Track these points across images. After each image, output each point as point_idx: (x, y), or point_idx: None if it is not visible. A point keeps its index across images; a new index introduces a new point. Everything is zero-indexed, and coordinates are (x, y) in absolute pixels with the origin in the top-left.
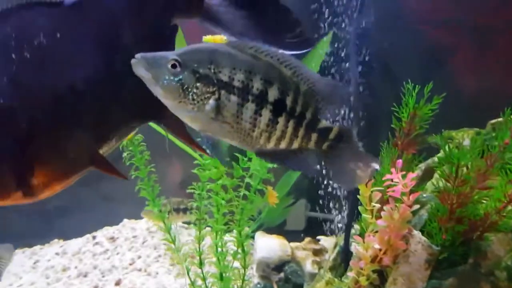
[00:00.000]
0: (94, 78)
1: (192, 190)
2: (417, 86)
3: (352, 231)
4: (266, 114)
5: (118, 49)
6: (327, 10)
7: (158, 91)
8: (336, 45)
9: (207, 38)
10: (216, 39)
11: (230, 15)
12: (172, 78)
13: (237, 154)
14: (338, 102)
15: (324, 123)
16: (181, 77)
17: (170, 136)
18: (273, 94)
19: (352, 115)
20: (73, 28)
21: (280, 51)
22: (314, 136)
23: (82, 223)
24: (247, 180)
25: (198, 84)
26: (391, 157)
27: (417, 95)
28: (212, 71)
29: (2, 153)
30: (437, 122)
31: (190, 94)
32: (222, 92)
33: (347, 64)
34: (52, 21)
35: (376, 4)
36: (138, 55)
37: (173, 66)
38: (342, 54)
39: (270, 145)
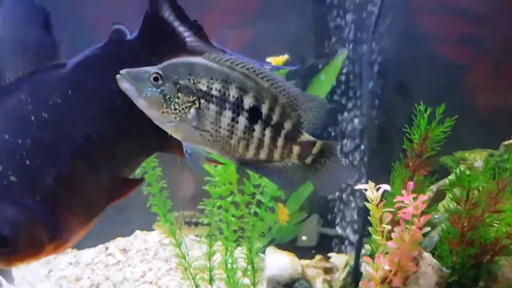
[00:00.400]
0: (106, 127)
1: (203, 207)
2: (428, 108)
3: (363, 251)
4: (242, 121)
5: (122, 96)
6: (341, 28)
7: (142, 103)
8: (350, 64)
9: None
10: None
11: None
12: (154, 89)
13: (248, 172)
14: (320, 116)
15: (306, 136)
16: (163, 88)
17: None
18: (248, 101)
19: (364, 133)
20: (81, 85)
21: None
22: (296, 149)
23: (95, 233)
24: (258, 197)
25: (179, 94)
26: (403, 178)
27: (430, 115)
28: (192, 81)
29: (36, 212)
30: (450, 141)
31: (172, 104)
32: (202, 101)
33: (360, 83)
34: (62, 81)
35: (391, 22)
36: (123, 71)
37: (155, 79)
38: (356, 72)
39: (250, 154)
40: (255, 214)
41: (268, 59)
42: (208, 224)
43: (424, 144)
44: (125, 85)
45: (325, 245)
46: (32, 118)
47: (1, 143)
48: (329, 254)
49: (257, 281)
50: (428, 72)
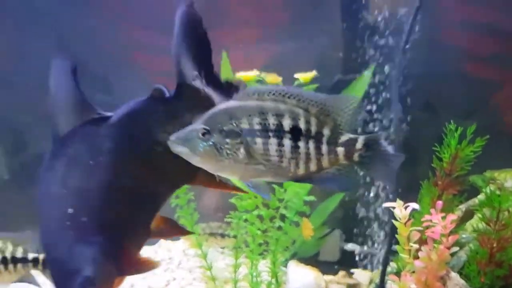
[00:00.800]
0: (150, 171)
1: (229, 220)
2: (459, 128)
3: (388, 268)
4: (287, 143)
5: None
6: (371, 43)
7: (197, 160)
8: (378, 80)
9: (240, 75)
10: (249, 76)
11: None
12: (205, 144)
13: (274, 186)
14: (354, 112)
15: (347, 136)
16: (212, 140)
17: None
18: (286, 123)
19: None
20: (127, 135)
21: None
22: (340, 150)
23: None
24: (282, 211)
25: (227, 140)
26: (431, 197)
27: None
28: (234, 124)
29: (107, 250)
30: (479, 160)
31: (224, 151)
32: (248, 138)
33: (388, 99)
34: (111, 130)
35: (420, 40)
36: (172, 136)
37: (203, 134)
38: (384, 88)
39: (301, 170)
40: (280, 228)
41: (296, 75)
42: (234, 237)
43: (454, 163)
44: (179, 149)
45: (347, 260)
46: (91, 163)
47: (70, 188)
48: (352, 270)
49: None
50: (457, 90)
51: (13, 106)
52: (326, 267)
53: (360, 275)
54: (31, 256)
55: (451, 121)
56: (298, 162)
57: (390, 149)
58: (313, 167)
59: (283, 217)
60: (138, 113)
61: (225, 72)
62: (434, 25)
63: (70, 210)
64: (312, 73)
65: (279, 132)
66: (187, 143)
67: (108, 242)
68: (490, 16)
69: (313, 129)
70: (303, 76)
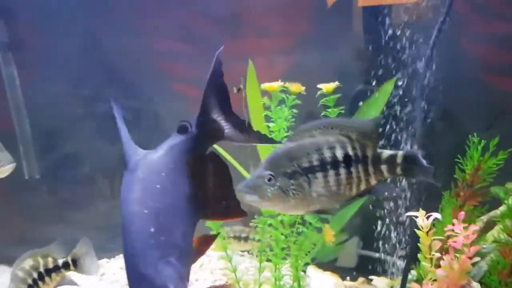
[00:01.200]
0: (192, 198)
1: (255, 224)
2: (482, 140)
3: (409, 276)
4: (342, 171)
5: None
6: (393, 55)
7: (267, 205)
8: (400, 91)
9: (265, 86)
10: (274, 86)
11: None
12: (272, 188)
13: None
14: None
15: (386, 153)
16: (278, 184)
17: (235, 163)
18: (339, 153)
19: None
20: (173, 164)
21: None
22: (384, 168)
23: None
24: (306, 217)
25: (292, 181)
26: (453, 207)
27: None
28: (296, 165)
29: (178, 269)
30: (501, 171)
31: (290, 192)
32: (310, 175)
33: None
34: (163, 160)
35: (441, 51)
36: (240, 186)
37: (269, 180)
38: (406, 100)
39: (354, 192)
40: (300, 233)
41: (319, 85)
42: (259, 241)
43: (476, 175)
44: (248, 197)
45: (364, 267)
46: (158, 187)
47: (148, 208)
48: (371, 277)
49: None
50: (478, 101)
51: (46, 109)
52: (344, 273)
53: (379, 282)
54: (61, 262)
55: (474, 133)
56: (352, 186)
57: (424, 161)
58: (363, 186)
59: (304, 223)
60: (173, 146)
61: (251, 79)
62: (456, 36)
63: (152, 230)
64: (335, 84)
65: (334, 163)
66: (255, 191)
67: (183, 261)
68: (510, 27)
69: (359, 153)
70: (326, 86)
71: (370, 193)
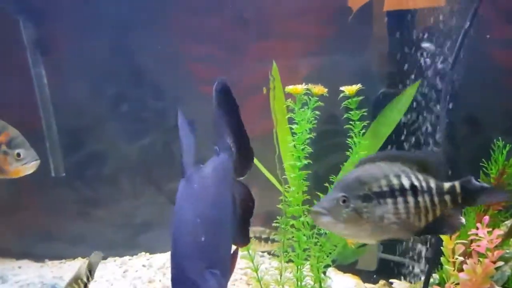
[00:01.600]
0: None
1: (277, 225)
2: (508, 145)
3: (431, 280)
4: (410, 199)
5: None
6: (417, 58)
7: (340, 227)
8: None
9: (289, 88)
10: (298, 89)
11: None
12: (347, 210)
13: (318, 193)
14: (441, 163)
15: (447, 183)
16: (352, 206)
17: (257, 163)
18: (405, 182)
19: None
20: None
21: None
22: (447, 197)
23: (167, 240)
24: None
25: (364, 204)
26: (477, 211)
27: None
28: (367, 189)
29: (222, 282)
30: None
31: (363, 214)
32: (380, 200)
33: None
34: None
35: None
36: (316, 208)
37: (343, 201)
38: (430, 105)
39: (422, 223)
40: (321, 235)
41: (342, 88)
42: (280, 241)
43: (501, 179)
44: (322, 219)
45: (384, 270)
46: (210, 199)
47: (201, 217)
48: (391, 280)
49: None
50: (500, 105)
51: (72, 108)
52: (364, 276)
53: (400, 285)
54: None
55: (499, 138)
56: (420, 216)
57: (479, 183)
58: (430, 217)
59: None
60: (224, 164)
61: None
62: (479, 41)
63: (203, 239)
64: (357, 86)
65: (401, 191)
66: (330, 212)
67: (225, 276)
68: None
69: (424, 184)
70: (348, 89)
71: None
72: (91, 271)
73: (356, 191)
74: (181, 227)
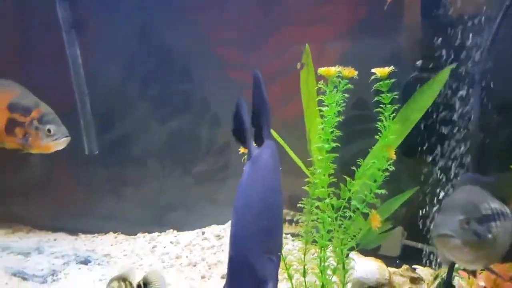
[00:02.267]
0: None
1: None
2: None
3: (456, 265)
4: (504, 223)
5: None
6: (451, 42)
7: (466, 251)
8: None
9: (322, 70)
10: (331, 71)
11: None
12: (471, 233)
13: (345, 176)
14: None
15: None
16: (474, 228)
17: (284, 145)
18: (496, 206)
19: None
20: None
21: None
22: None
23: (193, 219)
24: (354, 202)
25: (483, 227)
26: None
27: None
28: (484, 212)
29: (275, 280)
30: None
31: (482, 237)
32: (491, 223)
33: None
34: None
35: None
36: (444, 230)
37: (467, 223)
38: (461, 93)
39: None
40: (347, 217)
41: (374, 70)
42: (305, 222)
43: None
44: (453, 242)
45: (407, 257)
46: (271, 184)
47: (265, 201)
48: (414, 266)
49: (346, 281)
50: None
51: (106, 89)
52: (387, 261)
53: (422, 271)
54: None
55: None
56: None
57: None
58: None
59: (350, 208)
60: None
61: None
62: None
63: (265, 223)
64: (389, 68)
65: (499, 215)
66: (459, 235)
67: (279, 263)
68: None
69: (504, 208)
70: (380, 71)
71: None
72: (146, 284)
73: (474, 213)
74: (245, 209)
